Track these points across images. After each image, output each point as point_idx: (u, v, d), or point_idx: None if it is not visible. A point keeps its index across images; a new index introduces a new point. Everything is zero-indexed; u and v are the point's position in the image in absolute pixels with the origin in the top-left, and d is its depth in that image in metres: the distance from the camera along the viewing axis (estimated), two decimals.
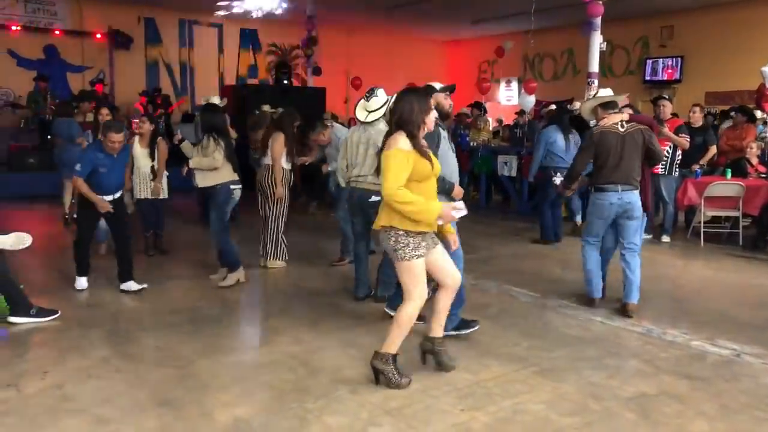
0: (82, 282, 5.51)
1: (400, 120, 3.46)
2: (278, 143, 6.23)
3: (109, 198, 5.28)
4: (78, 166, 5.13)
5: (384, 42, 18.62)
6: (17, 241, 4.50)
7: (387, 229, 3.47)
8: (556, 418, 3.25)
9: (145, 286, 5.52)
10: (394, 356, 3.58)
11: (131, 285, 5.48)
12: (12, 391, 3.47)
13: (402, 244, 3.44)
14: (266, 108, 8.85)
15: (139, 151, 6.69)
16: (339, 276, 6.19)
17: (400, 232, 3.43)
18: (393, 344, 3.56)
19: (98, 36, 15.18)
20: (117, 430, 3.06)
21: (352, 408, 3.31)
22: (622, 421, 3.24)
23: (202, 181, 5.59)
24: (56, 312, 4.74)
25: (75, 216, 5.84)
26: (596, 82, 9.05)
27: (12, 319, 4.57)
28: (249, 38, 17.58)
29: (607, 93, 5.31)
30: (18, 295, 4.58)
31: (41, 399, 3.38)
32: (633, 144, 4.89)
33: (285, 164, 6.31)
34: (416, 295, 3.49)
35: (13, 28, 14.28)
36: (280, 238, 6.44)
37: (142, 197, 6.78)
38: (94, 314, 4.89)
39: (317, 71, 14.44)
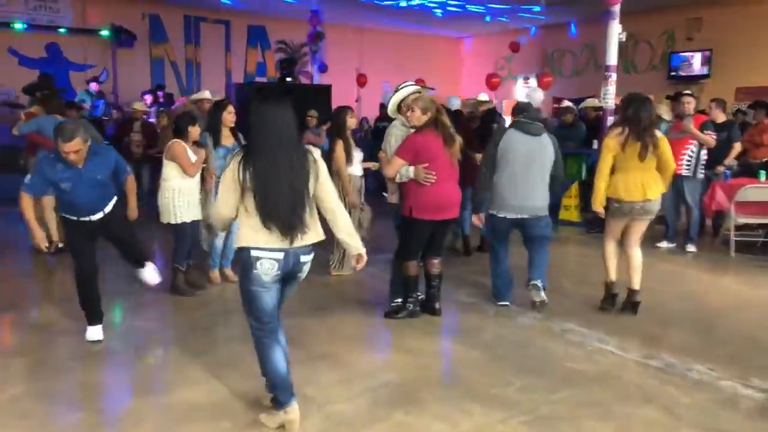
0: (94, 332, 4.24)
1: None
2: (338, 151, 5.80)
3: (93, 218, 4.15)
4: (27, 179, 4.17)
5: (396, 39, 17.96)
6: None
7: None
8: None
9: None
10: None
11: (149, 270, 4.57)
12: None
13: None
14: None
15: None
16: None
17: None
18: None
19: (101, 33, 14.75)
20: None
21: None
22: None
23: None
24: None
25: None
26: (614, 76, 8.26)
27: None
28: (257, 35, 17.05)
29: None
30: None
31: None
32: None
33: (354, 170, 5.94)
34: None
35: (15, 25, 13.92)
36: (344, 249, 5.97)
37: (187, 220, 5.25)
38: (25, 340, 4.31)
39: (323, 68, 13.83)
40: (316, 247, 3.09)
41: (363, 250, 3.25)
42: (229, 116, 5.55)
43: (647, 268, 5.09)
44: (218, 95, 9.19)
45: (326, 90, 13.19)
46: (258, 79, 16.61)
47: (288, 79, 12.81)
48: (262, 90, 12.21)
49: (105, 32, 14.67)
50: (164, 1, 15.10)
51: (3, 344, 4.20)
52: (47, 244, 4.15)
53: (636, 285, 4.97)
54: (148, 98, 12.97)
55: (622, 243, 5.06)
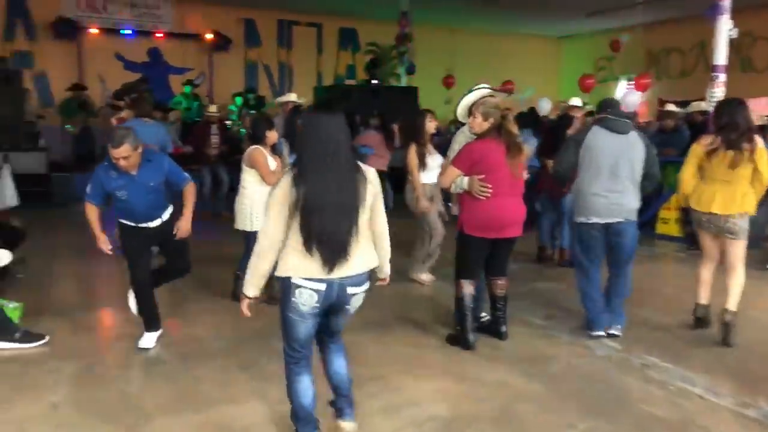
0: (147, 339, 4.20)
1: None
2: (410, 155, 5.59)
3: (151, 225, 4.15)
4: (87, 188, 4.13)
5: (488, 40, 17.43)
6: None
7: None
8: None
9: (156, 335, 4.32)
10: None
11: (152, 338, 4.28)
12: None
13: None
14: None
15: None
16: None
17: None
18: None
19: (202, 38, 15.24)
20: None
21: None
22: None
23: None
24: (43, 337, 4.24)
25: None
26: (722, 77, 7.46)
27: None
28: (348, 37, 17.08)
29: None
30: (1, 318, 4.11)
31: None
32: None
33: (426, 177, 5.68)
34: None
35: (122, 32, 14.64)
36: (424, 253, 5.83)
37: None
38: (82, 343, 4.33)
39: (411, 69, 13.60)
40: (370, 276, 2.82)
41: (387, 276, 3.04)
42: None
43: (755, 295, 4.50)
44: (304, 98, 9.18)
45: (413, 92, 12.95)
46: (347, 81, 16.64)
47: (373, 81, 12.68)
48: (347, 93, 12.17)
49: (205, 36, 15.16)
50: (260, 6, 15.42)
51: (63, 346, 4.22)
52: (110, 247, 4.13)
53: (731, 305, 4.38)
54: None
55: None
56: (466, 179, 4.17)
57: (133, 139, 3.87)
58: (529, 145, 8.23)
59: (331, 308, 2.76)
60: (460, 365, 4.07)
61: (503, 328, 4.43)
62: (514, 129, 4.22)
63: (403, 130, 6.15)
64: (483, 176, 4.11)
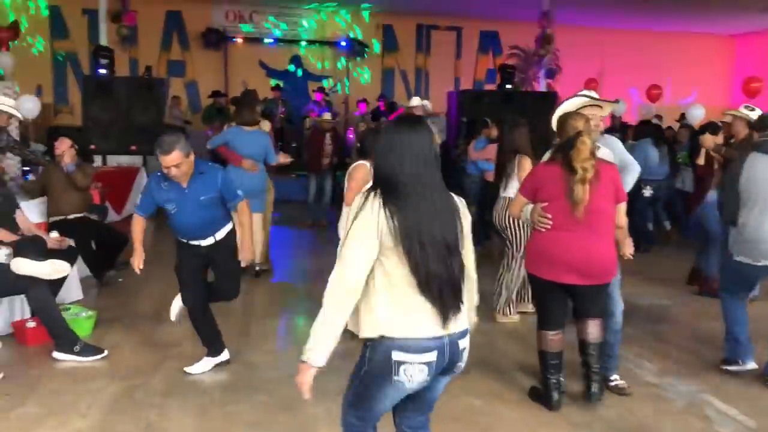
0: (200, 365, 3.97)
1: None
2: (525, 169, 4.81)
3: (203, 243, 3.86)
4: (138, 199, 3.98)
5: (643, 39, 15.83)
6: (53, 270, 4.00)
7: None
8: None
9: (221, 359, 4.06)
10: None
11: (204, 365, 4.01)
12: None
13: None
14: None
15: None
16: None
17: None
18: None
19: (339, 45, 15.39)
20: None
21: None
22: None
23: None
24: (102, 351, 4.17)
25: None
26: None
27: (55, 354, 4.10)
28: (488, 41, 16.36)
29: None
30: (60, 329, 4.09)
31: None
32: None
33: None
34: None
35: (265, 41, 15.17)
36: (513, 288, 5.10)
37: None
38: (139, 361, 4.19)
39: (550, 73, 12.64)
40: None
41: (474, 324, 2.37)
42: None
43: None
44: (431, 104, 8.65)
45: (551, 97, 11.97)
46: (487, 86, 15.95)
47: (508, 86, 11.89)
48: (478, 99, 11.52)
49: (341, 43, 15.29)
50: (399, 11, 15.24)
51: (117, 363, 4.11)
52: (141, 267, 3.86)
53: None
54: (363, 106, 13.13)
55: None
56: (529, 207, 3.54)
57: (183, 146, 3.61)
58: (650, 157, 7.17)
59: (442, 371, 2.18)
60: (537, 429, 3.37)
61: (594, 387, 3.55)
62: (586, 150, 3.29)
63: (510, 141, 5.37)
64: (545, 204, 3.43)
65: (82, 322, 4.54)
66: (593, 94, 3.98)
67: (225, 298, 4.07)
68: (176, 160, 3.57)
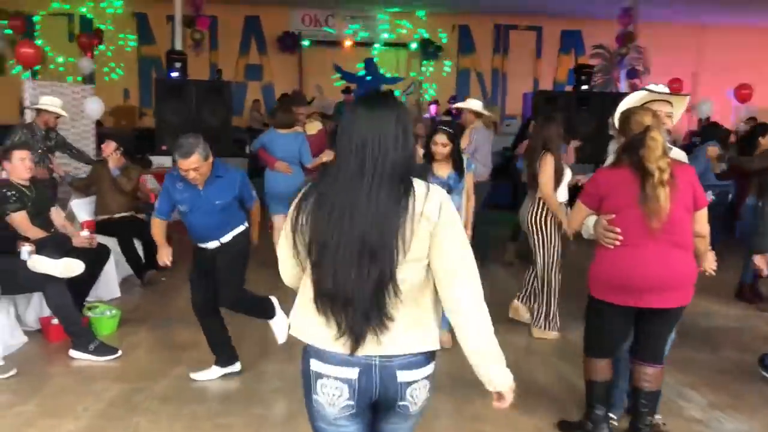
0: (205, 372, 3.88)
1: None
2: (547, 167, 4.53)
3: (208, 246, 3.76)
4: (156, 202, 3.93)
5: (747, 36, 14.61)
6: (65, 268, 4.02)
7: None
8: None
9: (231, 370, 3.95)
10: None
11: (210, 373, 3.92)
12: None
13: None
14: None
15: None
16: None
17: None
18: None
19: (413, 47, 15.20)
20: None
21: None
22: None
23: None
24: (116, 352, 4.17)
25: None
26: None
27: (71, 352, 4.14)
28: (571, 40, 15.66)
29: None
30: (75, 327, 4.12)
31: None
32: None
33: (561, 196, 4.63)
34: None
35: (346, 44, 15.20)
36: (552, 300, 4.68)
37: None
38: (151, 364, 4.16)
39: (632, 74, 11.87)
40: (432, 356, 1.83)
41: (506, 385, 1.80)
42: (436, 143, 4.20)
43: None
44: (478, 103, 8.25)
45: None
46: (568, 88, 15.26)
47: (584, 87, 11.26)
48: (552, 100, 10.98)
49: (413, 45, 15.10)
50: (476, 11, 14.87)
51: (128, 364, 4.10)
52: (169, 260, 3.84)
53: None
54: (434, 109, 12.86)
55: None
56: (592, 219, 3.04)
57: (203, 149, 3.53)
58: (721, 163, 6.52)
59: (377, 407, 1.84)
60: None
61: None
62: (658, 147, 2.80)
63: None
64: (612, 216, 2.92)
65: (105, 320, 4.59)
66: (659, 87, 3.53)
67: (219, 304, 3.89)
68: (195, 164, 3.51)
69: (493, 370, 1.78)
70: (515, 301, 5.01)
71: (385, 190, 1.72)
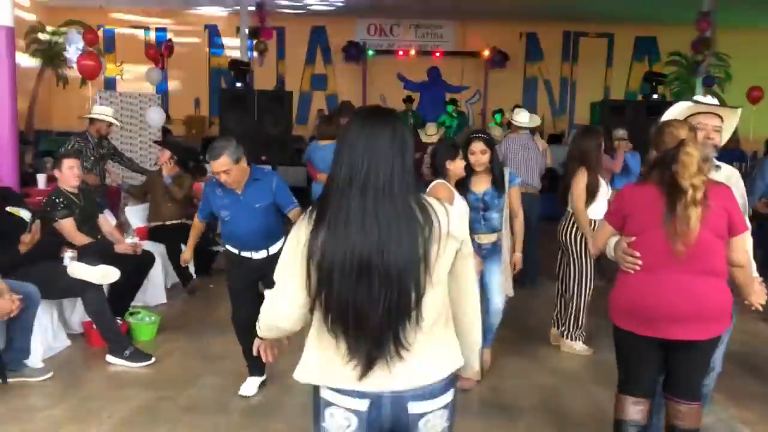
0: (247, 385, 3.83)
1: None
2: (578, 182, 4.36)
3: (255, 256, 3.71)
4: (201, 203, 3.97)
5: None
6: (102, 275, 4.11)
7: None
8: None
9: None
10: None
11: (253, 384, 3.88)
12: None
13: None
14: None
15: None
16: None
17: None
18: None
19: (480, 55, 14.96)
20: None
21: None
22: None
23: None
24: (150, 359, 4.22)
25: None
26: None
27: (108, 357, 4.22)
28: (645, 47, 15.02)
29: None
30: (111, 333, 4.20)
31: None
32: None
33: (594, 210, 4.38)
34: None
35: (411, 53, 15.11)
36: (582, 314, 4.59)
37: None
38: (184, 372, 4.17)
39: (709, 81, 11.23)
40: (450, 383, 1.75)
41: (474, 375, 1.97)
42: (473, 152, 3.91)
43: None
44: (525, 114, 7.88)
45: None
46: (641, 96, 14.62)
47: (654, 96, 10.73)
48: (620, 110, 10.53)
49: (482, 53, 14.86)
50: (544, 18, 14.51)
51: (160, 372, 4.13)
52: (187, 259, 4.16)
53: None
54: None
55: None
56: (613, 240, 2.78)
57: (233, 151, 3.50)
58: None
59: None
60: None
61: None
62: (693, 163, 2.51)
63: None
64: (633, 238, 2.65)
65: (144, 326, 4.67)
66: (707, 99, 3.23)
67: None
68: (224, 166, 3.49)
69: (475, 360, 1.90)
70: (552, 329, 4.84)
71: (388, 208, 1.64)
